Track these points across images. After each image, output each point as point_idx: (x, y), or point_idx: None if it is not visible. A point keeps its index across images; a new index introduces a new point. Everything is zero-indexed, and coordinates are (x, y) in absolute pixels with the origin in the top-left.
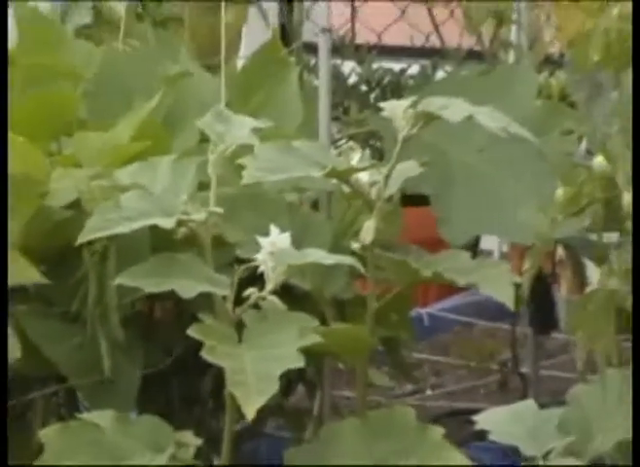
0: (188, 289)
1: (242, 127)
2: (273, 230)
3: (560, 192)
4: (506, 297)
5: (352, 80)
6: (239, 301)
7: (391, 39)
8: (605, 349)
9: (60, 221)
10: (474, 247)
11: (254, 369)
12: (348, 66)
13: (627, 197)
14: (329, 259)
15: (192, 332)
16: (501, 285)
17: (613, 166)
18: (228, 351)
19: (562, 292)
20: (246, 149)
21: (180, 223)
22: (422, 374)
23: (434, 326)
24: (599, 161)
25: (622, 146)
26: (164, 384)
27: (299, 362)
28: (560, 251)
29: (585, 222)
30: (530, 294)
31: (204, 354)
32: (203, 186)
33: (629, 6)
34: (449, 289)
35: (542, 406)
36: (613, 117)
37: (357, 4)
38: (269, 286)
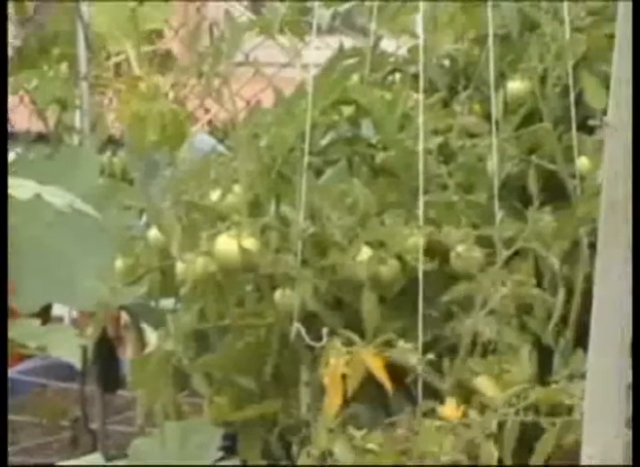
0: None
1: None
2: None
3: (120, 262)
4: (73, 358)
5: None
6: None
7: None
8: (163, 405)
9: None
10: (45, 314)
11: None
12: None
13: (180, 266)
14: None
15: None
16: (68, 348)
17: (166, 238)
18: None
19: (128, 353)
20: None
21: None
22: None
23: (10, 388)
24: (154, 233)
25: (174, 219)
26: None
27: None
28: (125, 316)
29: (142, 289)
30: (96, 355)
31: None
32: None
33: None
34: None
35: (109, 458)
36: (166, 192)
37: None
38: None
